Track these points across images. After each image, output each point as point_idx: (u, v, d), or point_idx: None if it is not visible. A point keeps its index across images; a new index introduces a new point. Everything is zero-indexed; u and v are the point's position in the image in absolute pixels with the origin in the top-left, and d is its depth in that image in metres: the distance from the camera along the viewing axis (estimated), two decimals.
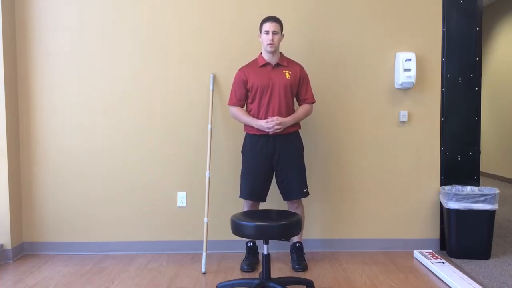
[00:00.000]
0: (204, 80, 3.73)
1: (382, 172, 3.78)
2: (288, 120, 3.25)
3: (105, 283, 3.12)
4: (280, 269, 3.36)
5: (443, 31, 3.72)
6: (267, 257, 2.82)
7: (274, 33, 3.20)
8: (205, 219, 3.42)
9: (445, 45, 3.72)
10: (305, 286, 2.98)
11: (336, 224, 3.81)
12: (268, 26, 3.21)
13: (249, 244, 3.46)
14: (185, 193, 3.78)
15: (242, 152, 3.43)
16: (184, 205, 3.78)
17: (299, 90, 3.35)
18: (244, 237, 2.78)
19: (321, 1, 3.71)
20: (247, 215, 2.86)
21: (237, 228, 2.74)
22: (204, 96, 3.73)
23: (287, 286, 2.81)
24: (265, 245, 2.80)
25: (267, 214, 2.95)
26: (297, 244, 3.43)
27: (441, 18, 3.72)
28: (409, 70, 3.62)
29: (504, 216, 4.89)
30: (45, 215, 3.77)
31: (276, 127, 3.19)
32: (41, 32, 3.71)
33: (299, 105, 3.42)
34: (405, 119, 3.74)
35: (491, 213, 3.48)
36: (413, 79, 3.63)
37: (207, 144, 3.66)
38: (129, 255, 3.73)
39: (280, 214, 2.92)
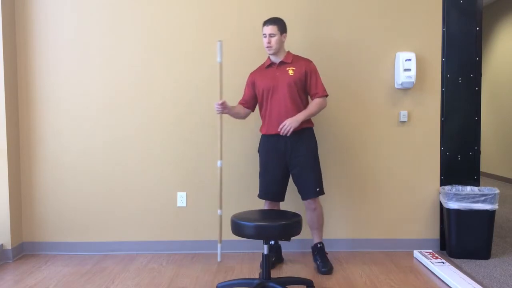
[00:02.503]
0: (204, 80, 3.73)
1: (382, 172, 3.78)
2: (299, 116, 3.21)
3: (105, 283, 3.12)
4: (280, 269, 3.36)
5: (443, 31, 3.72)
6: (267, 257, 2.82)
7: (271, 35, 3.23)
8: (219, 211, 3.33)
9: (445, 45, 3.72)
10: (305, 286, 2.98)
11: (336, 224, 3.81)
12: (265, 30, 3.26)
13: (271, 243, 3.39)
14: (185, 193, 3.78)
15: (258, 151, 3.46)
16: (184, 205, 3.78)
17: (308, 84, 3.32)
18: (244, 237, 2.77)
19: (321, 2, 3.71)
20: (247, 215, 2.85)
21: (237, 228, 2.74)
22: (204, 96, 3.73)
23: (287, 286, 2.81)
24: (265, 245, 2.80)
25: (267, 214, 2.95)
26: (319, 245, 3.38)
27: (441, 18, 3.72)
28: (409, 70, 3.62)
29: (504, 216, 4.89)
30: (45, 215, 3.77)
31: (289, 129, 3.17)
32: (41, 32, 3.71)
33: (312, 99, 3.37)
34: (405, 119, 3.74)
35: (491, 213, 3.48)
36: (413, 79, 3.63)
37: (207, 144, 3.68)
38: (129, 255, 3.73)
39: (280, 214, 2.92)
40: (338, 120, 3.76)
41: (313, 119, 3.41)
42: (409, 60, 3.63)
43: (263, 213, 2.96)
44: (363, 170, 3.78)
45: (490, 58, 7.61)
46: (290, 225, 2.72)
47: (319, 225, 3.40)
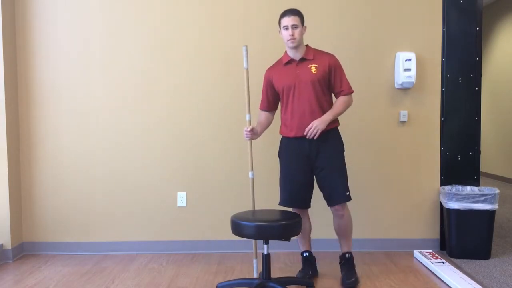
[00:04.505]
0: (205, 79, 3.73)
1: (382, 172, 3.78)
2: (326, 117, 2.95)
3: (105, 283, 3.12)
4: (280, 269, 3.36)
5: (443, 31, 3.72)
6: (267, 257, 2.82)
7: (293, 27, 2.92)
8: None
9: (445, 45, 3.72)
10: (305, 286, 2.98)
11: None
12: (286, 21, 2.94)
13: (304, 255, 3.19)
14: (185, 193, 3.78)
15: (279, 155, 3.18)
16: (184, 205, 3.78)
17: (332, 82, 3.03)
18: (244, 237, 2.77)
19: (320, 1, 3.71)
20: (247, 215, 2.85)
21: (237, 228, 2.74)
22: (203, 95, 3.73)
23: (287, 286, 2.81)
24: (265, 245, 2.80)
25: (267, 214, 2.94)
26: (347, 255, 3.11)
27: (441, 18, 3.72)
28: (409, 70, 3.62)
29: (504, 216, 4.89)
30: (45, 215, 3.77)
31: (317, 132, 2.92)
32: (41, 31, 3.71)
33: (336, 97, 3.11)
34: (405, 119, 3.74)
35: (491, 213, 3.48)
36: (413, 79, 3.63)
37: (207, 144, 3.68)
38: (129, 255, 3.73)
39: (280, 214, 2.91)
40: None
41: None
42: (409, 60, 3.63)
43: (263, 213, 2.95)
44: (363, 170, 3.77)
45: (490, 58, 7.61)
46: (290, 225, 2.72)
47: (347, 233, 3.11)
